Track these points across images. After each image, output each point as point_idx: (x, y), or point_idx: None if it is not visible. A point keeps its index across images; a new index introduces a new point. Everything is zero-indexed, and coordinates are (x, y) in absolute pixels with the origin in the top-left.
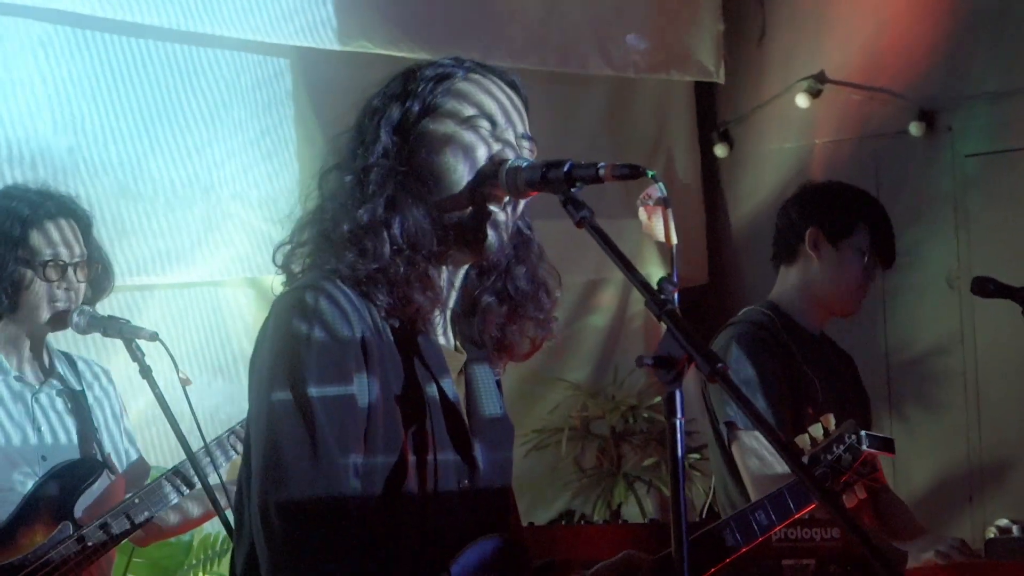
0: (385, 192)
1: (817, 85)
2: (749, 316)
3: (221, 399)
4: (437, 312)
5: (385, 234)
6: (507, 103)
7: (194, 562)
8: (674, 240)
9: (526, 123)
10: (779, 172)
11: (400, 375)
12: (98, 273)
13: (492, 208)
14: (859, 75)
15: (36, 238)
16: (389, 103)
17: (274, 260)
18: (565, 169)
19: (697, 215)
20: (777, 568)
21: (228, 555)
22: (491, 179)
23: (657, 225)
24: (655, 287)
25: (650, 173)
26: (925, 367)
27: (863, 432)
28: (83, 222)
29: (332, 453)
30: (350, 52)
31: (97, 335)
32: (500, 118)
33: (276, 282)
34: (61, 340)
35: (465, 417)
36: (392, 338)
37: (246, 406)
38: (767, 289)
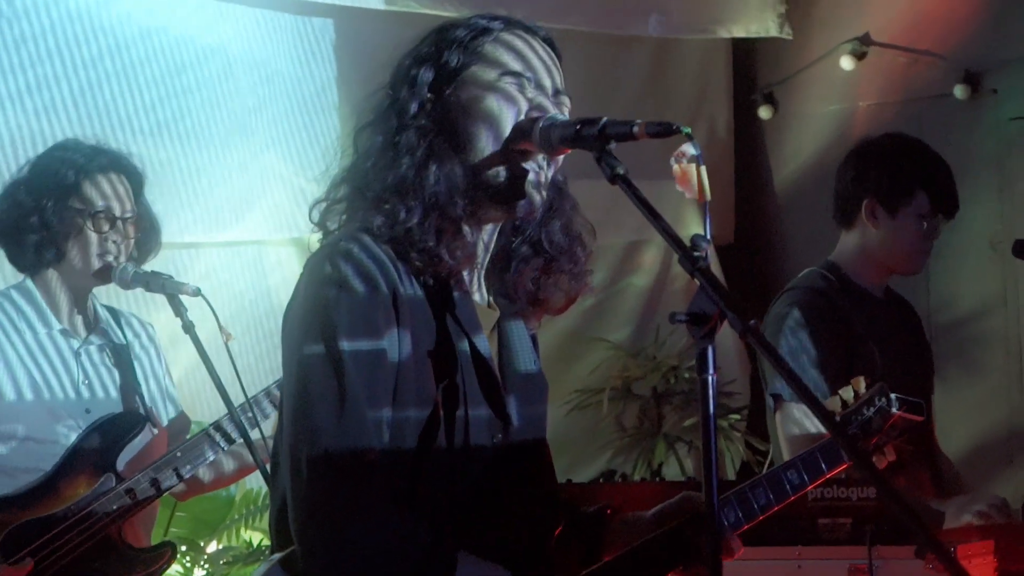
0: (418, 152)
1: (861, 47)
2: (809, 280)
3: (262, 356)
4: (470, 269)
5: (417, 194)
6: (543, 58)
7: (236, 517)
8: (707, 196)
9: (561, 79)
10: (822, 135)
11: (432, 331)
12: (146, 232)
13: (525, 166)
14: (903, 37)
15: (89, 189)
16: (423, 61)
17: (310, 217)
18: (599, 126)
19: (726, 176)
20: (813, 527)
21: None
22: (526, 136)
23: (691, 181)
24: (688, 243)
25: (684, 130)
26: (967, 329)
27: (893, 395)
28: (135, 179)
29: (361, 408)
30: (394, 12)
31: (140, 291)
32: (535, 73)
33: (315, 240)
34: (103, 296)
35: (498, 372)
36: (424, 294)
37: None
38: (809, 251)
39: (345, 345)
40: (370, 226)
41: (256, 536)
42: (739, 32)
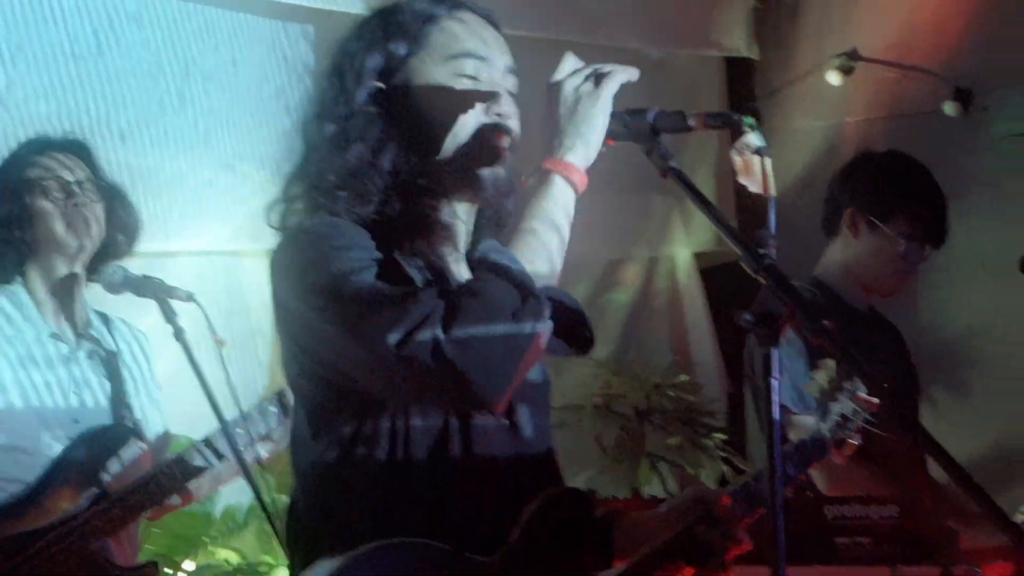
0: (369, 138)
1: (849, 62)
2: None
3: (236, 370)
4: (452, 249)
5: (375, 177)
6: (488, 40)
7: (215, 534)
8: (772, 191)
9: (509, 56)
10: (809, 150)
11: None
12: (114, 202)
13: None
14: (892, 53)
15: (31, 170)
16: (370, 46)
17: (268, 221)
18: (651, 118)
19: (727, 193)
20: (831, 546)
21: (250, 526)
22: (492, 135)
23: (755, 175)
24: (752, 241)
25: (747, 120)
26: (956, 350)
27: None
28: (82, 151)
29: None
30: None
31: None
32: (487, 54)
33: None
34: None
35: None
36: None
37: (260, 379)
38: (796, 266)
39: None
40: (333, 212)
41: (234, 556)
42: (706, 51)
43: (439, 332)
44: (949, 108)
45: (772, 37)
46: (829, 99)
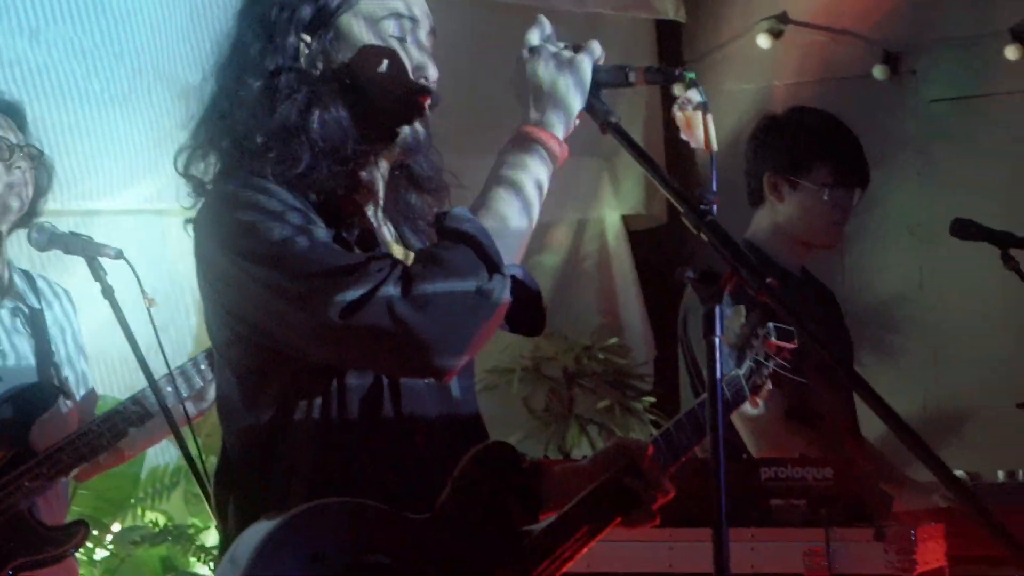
0: (298, 96)
1: (779, 26)
2: None
3: (163, 333)
4: (374, 207)
5: (303, 137)
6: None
7: (141, 495)
8: (714, 146)
9: (431, 17)
10: (739, 113)
11: None
12: (40, 167)
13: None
14: (822, 16)
15: None
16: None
17: (175, 166)
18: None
19: (657, 156)
20: (766, 508)
21: (177, 488)
22: (419, 94)
23: (697, 131)
24: (694, 196)
25: (688, 75)
26: (883, 314)
27: (770, 324)
28: (17, 114)
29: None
30: None
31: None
32: (415, 15)
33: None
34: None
35: None
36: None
37: (187, 339)
38: (730, 230)
39: (279, 224)
40: (260, 173)
41: (161, 518)
42: (635, 13)
43: (394, 291)
44: (878, 72)
45: (703, 1)
46: (758, 62)
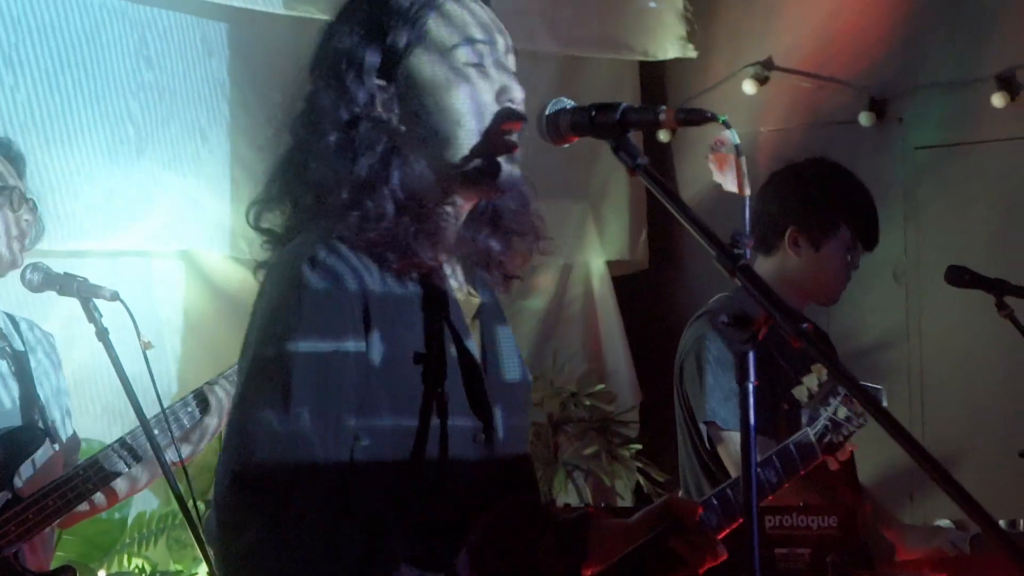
0: (379, 146)
1: (764, 71)
2: (722, 304)
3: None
4: (446, 255)
5: (386, 190)
6: (486, 20)
7: (127, 541)
8: (747, 190)
9: (507, 34)
10: None
11: (416, 333)
12: (32, 217)
13: (501, 159)
14: (808, 62)
15: None
16: (364, 43)
17: (247, 219)
18: (619, 112)
19: (640, 200)
20: (770, 557)
21: (164, 535)
22: (505, 123)
23: (729, 174)
24: (727, 240)
25: (721, 118)
26: (869, 360)
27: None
28: (17, 163)
29: (305, 416)
30: (292, 16)
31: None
32: (489, 37)
33: (213, 256)
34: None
35: (484, 379)
36: (406, 293)
37: (170, 382)
38: (709, 276)
39: (300, 346)
40: (339, 232)
41: (147, 564)
42: (638, 53)
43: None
44: (864, 118)
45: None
46: (744, 108)
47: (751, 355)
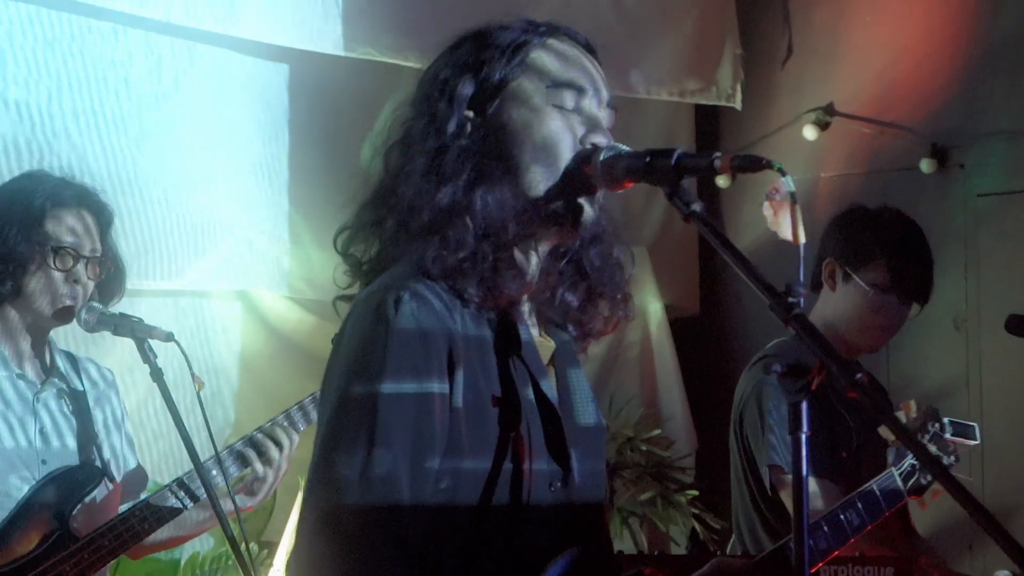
0: (463, 174)
1: (825, 117)
2: (781, 349)
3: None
4: (525, 299)
5: (468, 219)
6: (588, 67)
7: None
8: (802, 239)
9: (607, 88)
10: None
11: (494, 376)
12: (111, 274)
13: (581, 201)
14: (870, 108)
15: (54, 222)
16: (462, 72)
17: (335, 245)
18: (674, 159)
19: (691, 245)
20: None
21: None
22: (584, 165)
23: (784, 222)
24: (782, 289)
25: (776, 165)
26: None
27: (946, 419)
28: (103, 216)
29: (391, 459)
30: (351, 59)
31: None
32: (584, 85)
33: (270, 296)
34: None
35: (563, 423)
36: (482, 335)
37: (226, 422)
38: (762, 322)
39: (387, 387)
40: (420, 262)
41: None
42: (694, 98)
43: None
44: (925, 165)
45: (748, 88)
46: (804, 153)
47: (804, 405)
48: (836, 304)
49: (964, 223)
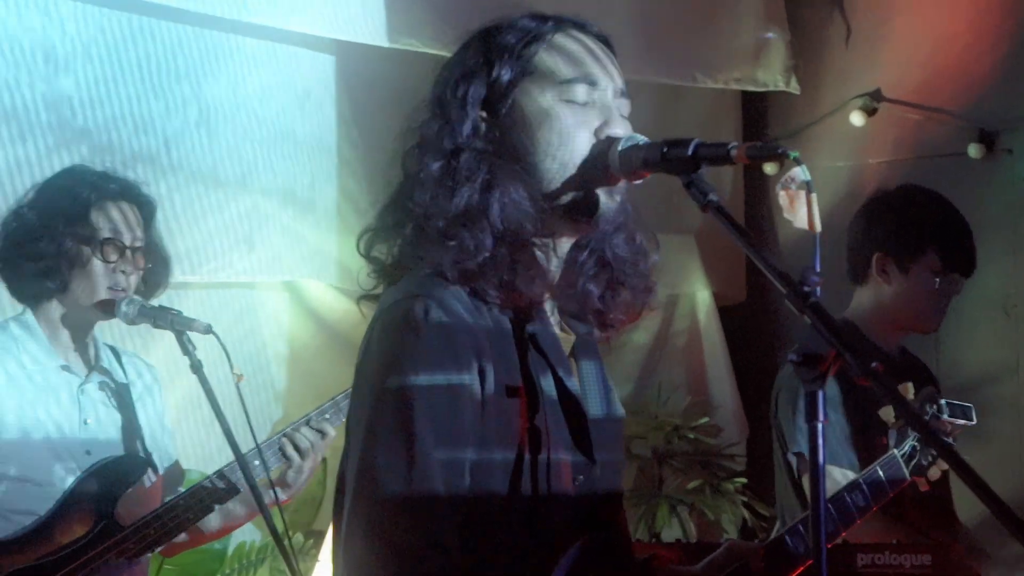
0: (479, 176)
1: (872, 103)
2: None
3: (252, 404)
4: (547, 295)
5: (485, 222)
6: (600, 58)
7: (227, 572)
8: (818, 227)
9: (621, 77)
10: (830, 191)
11: (516, 369)
12: (156, 265)
13: (599, 191)
14: (916, 94)
15: (97, 216)
16: (472, 75)
17: (357, 247)
18: (690, 148)
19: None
20: None
21: (264, 565)
22: (602, 158)
23: (800, 211)
24: (797, 278)
25: (792, 154)
26: (976, 395)
27: (943, 401)
28: (146, 208)
29: (430, 453)
30: (396, 50)
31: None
32: (597, 78)
33: (318, 286)
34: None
35: (586, 413)
36: (505, 329)
37: (274, 412)
38: None
39: (422, 380)
40: (439, 266)
41: None
42: (746, 84)
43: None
44: (973, 150)
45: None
46: (852, 140)
47: (820, 394)
48: (894, 293)
49: (1012, 208)
